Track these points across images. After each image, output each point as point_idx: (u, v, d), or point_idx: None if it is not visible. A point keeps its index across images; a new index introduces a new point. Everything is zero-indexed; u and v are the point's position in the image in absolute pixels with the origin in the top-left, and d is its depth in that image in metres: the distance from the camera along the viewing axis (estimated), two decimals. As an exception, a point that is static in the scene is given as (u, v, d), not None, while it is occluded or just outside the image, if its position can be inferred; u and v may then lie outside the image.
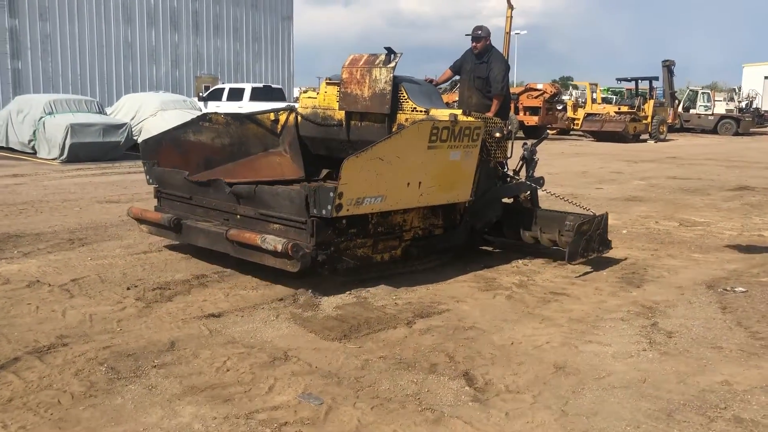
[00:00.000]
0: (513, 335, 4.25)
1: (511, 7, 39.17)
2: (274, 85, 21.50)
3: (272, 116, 6.81)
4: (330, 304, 4.76)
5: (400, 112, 6.00)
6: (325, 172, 6.71)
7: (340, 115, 6.42)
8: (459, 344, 4.05)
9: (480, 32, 7.02)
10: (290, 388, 3.41)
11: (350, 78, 6.20)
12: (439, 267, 5.77)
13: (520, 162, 6.72)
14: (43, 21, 20.21)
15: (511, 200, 6.69)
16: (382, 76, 5.97)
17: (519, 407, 3.25)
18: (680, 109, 37.06)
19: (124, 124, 15.05)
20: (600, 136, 27.09)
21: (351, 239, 5.15)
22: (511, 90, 29.60)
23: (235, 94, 19.64)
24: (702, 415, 3.18)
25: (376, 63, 6.06)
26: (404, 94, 5.99)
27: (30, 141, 14.77)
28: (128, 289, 4.97)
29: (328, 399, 3.29)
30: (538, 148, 6.79)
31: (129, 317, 4.39)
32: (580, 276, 5.71)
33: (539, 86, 27.74)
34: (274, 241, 4.71)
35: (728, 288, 5.37)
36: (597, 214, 6.06)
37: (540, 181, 6.62)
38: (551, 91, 27.11)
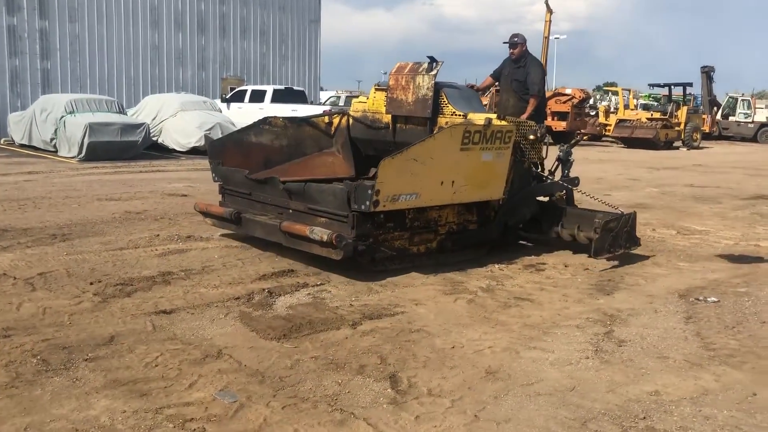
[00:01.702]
0: (458, 339, 4.19)
1: (550, 11, 38.89)
2: (296, 87, 21.62)
3: (327, 119, 7.41)
4: (284, 303, 4.76)
5: (441, 115, 6.49)
6: (373, 171, 7.02)
7: (387, 118, 6.98)
8: (397, 346, 4.01)
9: (516, 39, 7.56)
10: (211, 385, 3.42)
11: (396, 84, 6.78)
12: (400, 270, 5.74)
13: (556, 163, 7.01)
14: (72, 22, 20.70)
15: (547, 199, 7.02)
16: (425, 83, 6.50)
17: (433, 411, 3.20)
18: (719, 116, 36.19)
19: (142, 124, 15.33)
20: (630, 143, 26.60)
21: (389, 232, 5.62)
22: (542, 94, 29.34)
23: (257, 96, 19.82)
24: (617, 425, 3.09)
25: (419, 70, 6.60)
26: (444, 99, 6.49)
27: (52, 139, 15.15)
28: (91, 284, 5.04)
29: (244, 397, 3.28)
30: (573, 150, 7.16)
31: (82, 311, 4.46)
32: (552, 282, 5.61)
33: (568, 91, 27.37)
34: (320, 232, 5.23)
35: (700, 298, 5.21)
36: (624, 213, 6.40)
37: (575, 181, 6.94)
38: (580, 96, 26.70)
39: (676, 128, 27.57)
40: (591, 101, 33.78)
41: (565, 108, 26.35)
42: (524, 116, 7.03)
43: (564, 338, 4.26)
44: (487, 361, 3.83)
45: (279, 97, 19.46)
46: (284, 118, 7.27)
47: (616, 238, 6.17)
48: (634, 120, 27.55)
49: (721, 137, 35.44)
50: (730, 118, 36.30)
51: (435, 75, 6.45)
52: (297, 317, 4.45)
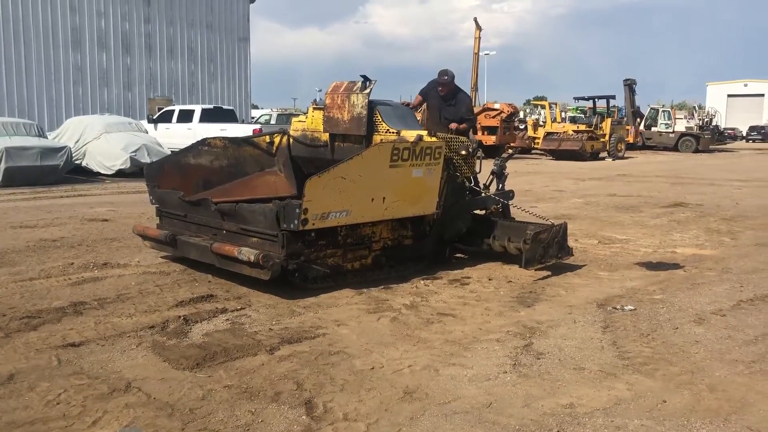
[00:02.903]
0: (378, 359, 4.14)
1: (479, 28, 39.72)
2: (225, 107, 21.34)
3: (268, 139, 7.37)
4: (200, 330, 4.62)
5: (376, 133, 6.59)
6: None
7: (325, 136, 7.07)
8: (315, 371, 3.93)
9: (446, 78, 7.65)
10: (116, 421, 3.26)
11: (332, 103, 6.85)
12: (325, 289, 5.67)
13: (491, 176, 7.20)
14: (-13, 44, 19.92)
15: (483, 212, 7.09)
16: (359, 101, 6.60)
17: (347, 437, 3.13)
18: (642, 126, 37.59)
19: (64, 147, 14.81)
20: (558, 155, 27.34)
21: (321, 250, 5.64)
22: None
23: (185, 116, 19.46)
24: (530, 441, 3.09)
25: (354, 89, 6.68)
26: (379, 117, 6.60)
27: (-34, 165, 14.43)
28: (-6, 318, 4.78)
29: (150, 432, 3.14)
30: (507, 164, 7.39)
31: (-18, 348, 4.20)
32: (475, 296, 5.64)
33: (497, 106, 27.95)
34: (248, 253, 5.22)
35: (618, 307, 5.33)
36: (555, 224, 6.55)
37: (510, 195, 7.13)
38: (509, 111, 27.32)
39: (602, 139, 28.53)
40: (520, 115, 34.60)
41: (495, 123, 26.90)
42: (461, 127, 7.33)
43: (484, 353, 4.27)
44: (405, 381, 3.79)
45: (208, 116, 19.16)
46: (223, 138, 7.26)
47: (548, 249, 6.31)
48: (561, 133, 28.36)
49: (644, 147, 36.80)
50: (653, 129, 37.78)
51: (369, 93, 6.56)
52: (212, 345, 4.32)
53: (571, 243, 7.99)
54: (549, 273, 6.42)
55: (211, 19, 25.62)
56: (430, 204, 6.24)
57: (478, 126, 27.14)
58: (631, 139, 34.13)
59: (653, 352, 4.31)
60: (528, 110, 49.62)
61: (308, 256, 5.50)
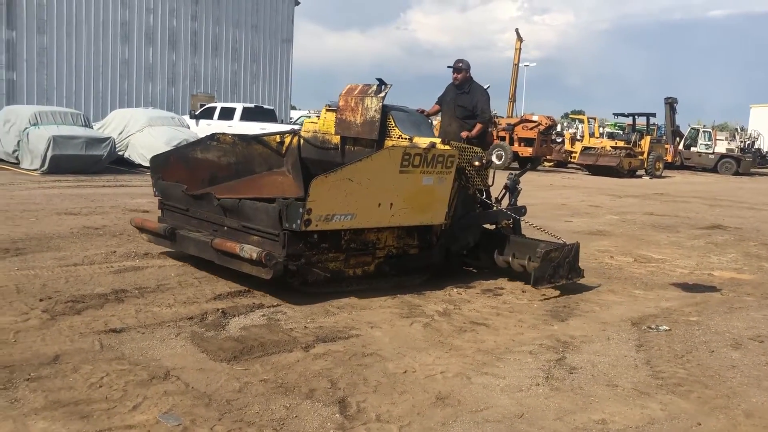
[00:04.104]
0: (411, 364, 4.18)
1: (520, 39, 39.61)
2: (266, 106, 21.62)
3: (278, 138, 7.27)
4: (237, 324, 4.71)
5: (388, 138, 6.45)
6: None
7: (337, 139, 6.95)
8: (348, 370, 3.98)
9: (461, 64, 7.48)
10: (155, 407, 3.35)
11: (346, 105, 6.75)
12: (360, 292, 5.73)
13: (503, 191, 7.03)
14: (40, 34, 20.49)
15: (493, 227, 6.89)
16: (373, 105, 6.50)
17: (379, 437, 3.18)
18: (681, 146, 37.04)
19: (108, 138, 15.14)
20: (595, 170, 27.05)
21: (323, 253, 5.47)
22: (508, 121, 29.75)
23: (227, 113, 19.76)
24: (561, 453, 3.10)
25: (368, 92, 6.57)
26: (392, 122, 6.47)
27: (14, 151, 14.88)
28: (41, 300, 4.93)
29: (188, 420, 3.23)
30: (521, 179, 7.20)
31: (29, 329, 4.35)
32: (509, 307, 5.64)
33: (535, 117, 27.79)
34: (250, 250, 5.10)
35: (652, 326, 5.29)
36: (567, 243, 6.26)
37: (522, 210, 6.90)
38: (546, 123, 27.12)
39: (640, 157, 28.13)
40: (557, 128, 34.35)
41: (532, 134, 26.73)
42: (473, 132, 7.13)
43: (516, 364, 4.28)
44: (438, 387, 3.83)
45: (248, 115, 19.43)
46: (233, 135, 7.16)
47: (558, 269, 6.06)
48: (598, 148, 28.05)
49: (682, 167, 36.23)
50: (692, 149, 37.17)
51: (383, 97, 6.44)
52: (249, 339, 4.41)
53: (606, 260, 8.00)
54: (582, 289, 6.40)
55: (256, 19, 26.01)
56: (438, 214, 6.04)
57: (515, 137, 27.05)
58: (669, 158, 33.65)
59: (688, 374, 4.28)
60: (566, 123, 49.23)
61: (309, 259, 5.35)
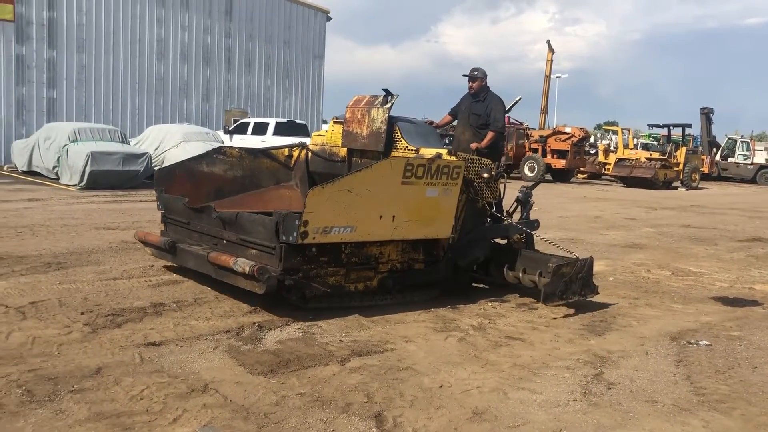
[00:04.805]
0: (446, 378, 4.17)
1: (551, 50, 39.46)
2: (298, 121, 21.86)
3: (286, 152, 7.19)
4: (273, 338, 4.75)
5: (394, 150, 6.27)
6: None
7: (344, 152, 6.79)
8: (384, 384, 3.99)
9: (476, 73, 7.28)
10: (195, 420, 3.40)
11: (352, 117, 6.60)
12: (412, 303, 5.74)
13: (515, 204, 6.81)
14: (79, 53, 21.05)
15: (505, 241, 6.70)
16: (379, 116, 6.32)
17: (417, 452, 3.18)
18: (718, 157, 36.42)
19: (144, 153, 15.44)
20: (629, 182, 26.73)
21: (322, 267, 5.29)
22: (540, 133, 29.58)
23: (260, 128, 20.01)
24: (601, 470, 3.06)
25: (374, 104, 6.39)
26: (398, 134, 6.30)
27: (54, 167, 15.27)
28: (82, 314, 5.04)
29: (227, 433, 3.26)
30: (534, 191, 6.93)
31: (71, 342, 4.45)
32: (544, 321, 5.60)
33: (567, 129, 27.61)
34: (244, 264, 4.96)
35: (692, 341, 5.19)
36: (580, 258, 6.02)
37: (534, 224, 6.70)
38: (580, 135, 26.91)
39: (675, 168, 27.74)
40: (591, 140, 34.05)
41: (565, 146, 26.56)
42: (483, 143, 6.92)
43: (553, 379, 4.24)
44: (474, 402, 3.81)
45: (281, 129, 19.65)
46: (240, 148, 7.08)
47: (570, 284, 5.81)
48: (633, 159, 27.72)
49: (720, 178, 35.62)
50: (729, 160, 36.53)
51: (389, 108, 6.28)
52: (286, 352, 4.44)
53: (643, 273, 7.89)
54: (619, 303, 6.32)
55: (289, 36, 26.37)
56: (444, 227, 5.81)
57: (548, 149, 26.88)
58: (706, 170, 33.10)
59: (730, 390, 4.19)
60: (599, 135, 48.76)
61: (307, 273, 5.19)
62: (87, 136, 15.13)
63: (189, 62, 23.65)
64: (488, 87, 7.35)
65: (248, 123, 20.79)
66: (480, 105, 7.24)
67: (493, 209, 6.41)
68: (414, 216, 5.51)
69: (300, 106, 27.02)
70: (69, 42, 20.84)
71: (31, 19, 20.12)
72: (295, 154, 7.15)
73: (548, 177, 26.88)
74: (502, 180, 6.47)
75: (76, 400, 3.54)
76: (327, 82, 27.43)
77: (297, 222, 4.85)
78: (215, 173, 6.70)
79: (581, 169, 28.48)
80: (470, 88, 7.32)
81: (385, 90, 6.39)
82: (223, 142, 18.26)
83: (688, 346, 5.07)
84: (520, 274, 6.14)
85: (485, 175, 6.19)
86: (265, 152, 7.15)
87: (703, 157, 33.20)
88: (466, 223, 6.11)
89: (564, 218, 13.50)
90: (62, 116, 20.38)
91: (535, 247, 6.74)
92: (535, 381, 4.20)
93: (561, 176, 27.09)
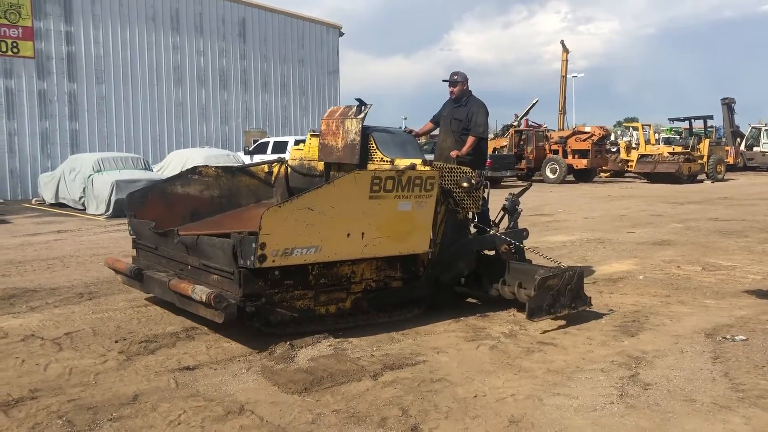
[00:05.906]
0: (480, 387, 4.16)
1: (566, 50, 39.33)
2: (317, 137, 22.00)
3: (266, 168, 7.02)
4: (305, 356, 4.77)
5: (370, 162, 6.04)
6: None
7: (321, 166, 6.62)
8: (418, 397, 3.98)
9: (456, 77, 7.11)
10: (233, 442, 3.42)
11: (327, 129, 6.38)
12: (422, 317, 5.71)
13: (501, 213, 6.60)
14: (99, 84, 21.45)
15: (492, 252, 6.38)
16: (353, 127, 6.11)
17: (455, 464, 3.17)
18: (743, 147, 35.93)
19: (168, 179, 15.61)
20: (653, 178, 26.47)
21: (287, 291, 5.06)
22: (560, 134, 29.41)
23: (280, 147, 20.14)
24: (643, 474, 3.03)
25: (348, 114, 6.19)
26: (373, 145, 6.04)
27: (80, 198, 15.50)
28: (116, 342, 5.11)
29: (265, 454, 3.28)
30: (521, 199, 6.64)
31: (107, 370, 4.51)
32: (576, 324, 5.55)
33: (587, 129, 27.46)
34: (201, 292, 4.75)
35: (728, 336, 5.12)
36: (568, 268, 5.71)
37: (522, 234, 6.40)
38: (600, 134, 26.74)
39: (699, 161, 27.42)
40: (611, 138, 33.79)
41: (586, 146, 26.40)
42: (464, 150, 6.72)
43: (588, 383, 4.21)
44: (510, 410, 3.79)
45: (301, 147, 19.76)
46: (217, 167, 6.85)
47: (558, 297, 5.43)
48: (655, 155, 27.45)
49: (746, 168, 35.10)
50: (755, 149, 36.03)
51: (363, 119, 6.04)
52: (318, 370, 4.46)
53: (673, 270, 7.79)
54: (651, 301, 6.25)
55: (303, 54, 26.62)
56: (421, 242, 5.49)
57: (569, 149, 26.74)
58: (731, 160, 32.69)
59: (770, 385, 4.12)
60: (619, 132, 48.37)
61: (270, 298, 4.94)
62: (111, 166, 15.36)
63: (206, 86, 23.96)
64: (470, 91, 7.18)
65: (268, 142, 20.98)
66: (462, 110, 7.06)
67: (476, 220, 6.16)
68: (386, 232, 5.24)
69: (317, 123, 27.13)
70: (88, 74, 21.24)
71: (51, 54, 20.54)
72: (275, 170, 6.97)
73: (570, 177, 26.72)
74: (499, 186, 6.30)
75: (116, 428, 3.59)
76: (342, 97, 27.57)
77: (254, 245, 4.61)
78: (191, 194, 6.46)
79: (603, 167, 28.27)
80: (451, 93, 7.14)
81: (359, 100, 6.20)
82: (244, 163, 18.44)
83: (724, 342, 5.00)
84: (500, 287, 5.86)
85: (465, 184, 5.84)
86: (244, 170, 6.98)
87: (727, 148, 32.80)
88: (446, 236, 5.83)
89: (589, 219, 13.40)
90: (85, 147, 20.73)
91: (526, 258, 6.41)
92: (570, 386, 4.17)
93: (583, 176, 26.92)
